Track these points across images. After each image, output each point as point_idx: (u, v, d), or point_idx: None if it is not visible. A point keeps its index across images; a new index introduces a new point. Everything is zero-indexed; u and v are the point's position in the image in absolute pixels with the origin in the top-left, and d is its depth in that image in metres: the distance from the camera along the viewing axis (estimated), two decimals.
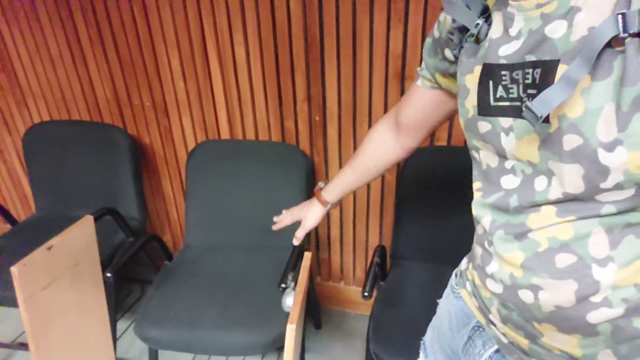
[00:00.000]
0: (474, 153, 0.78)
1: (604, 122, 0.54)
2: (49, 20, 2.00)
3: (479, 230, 0.77)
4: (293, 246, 1.47)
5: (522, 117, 0.64)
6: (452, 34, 0.78)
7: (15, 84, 2.24)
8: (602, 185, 0.57)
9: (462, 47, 0.76)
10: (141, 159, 2.21)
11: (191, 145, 2.10)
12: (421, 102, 0.95)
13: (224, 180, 1.94)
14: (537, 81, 0.60)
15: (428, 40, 0.88)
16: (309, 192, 1.88)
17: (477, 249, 0.78)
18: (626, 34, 0.51)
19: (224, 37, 1.79)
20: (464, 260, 0.92)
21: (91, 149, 2.10)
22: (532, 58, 0.61)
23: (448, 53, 0.82)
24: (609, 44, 0.53)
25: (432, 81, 0.90)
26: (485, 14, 0.70)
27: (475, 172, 0.78)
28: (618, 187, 0.57)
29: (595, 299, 0.61)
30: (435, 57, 0.87)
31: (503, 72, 0.65)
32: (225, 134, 2.02)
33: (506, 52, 0.65)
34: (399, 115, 1.01)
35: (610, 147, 0.54)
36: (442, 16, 0.82)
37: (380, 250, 1.72)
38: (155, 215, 2.38)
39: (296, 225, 1.24)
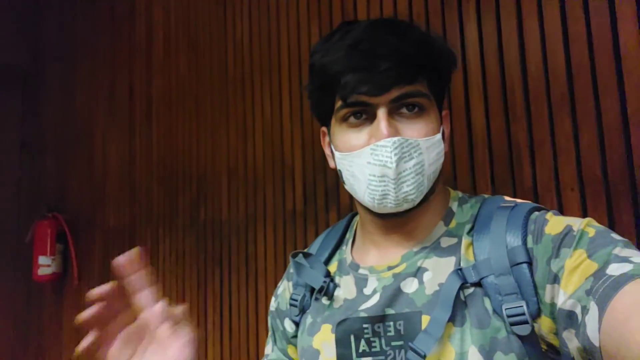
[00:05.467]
0: None
1: None
2: None
3: None
4: None
5: None
6: (295, 300, 0.79)
7: None
8: None
9: (305, 311, 0.78)
10: None
11: None
12: None
13: None
14: (402, 332, 0.65)
15: (270, 323, 0.87)
16: None
17: None
18: (468, 284, 0.62)
19: None
20: None
21: None
22: (392, 311, 0.66)
23: (288, 323, 0.83)
24: (459, 297, 0.62)
25: None
26: (328, 276, 0.76)
27: None
28: None
29: None
30: (277, 332, 0.86)
31: (365, 325, 0.68)
32: None
33: (366, 306, 0.69)
34: None
35: None
36: (280, 289, 0.86)
37: None
38: None
39: None
